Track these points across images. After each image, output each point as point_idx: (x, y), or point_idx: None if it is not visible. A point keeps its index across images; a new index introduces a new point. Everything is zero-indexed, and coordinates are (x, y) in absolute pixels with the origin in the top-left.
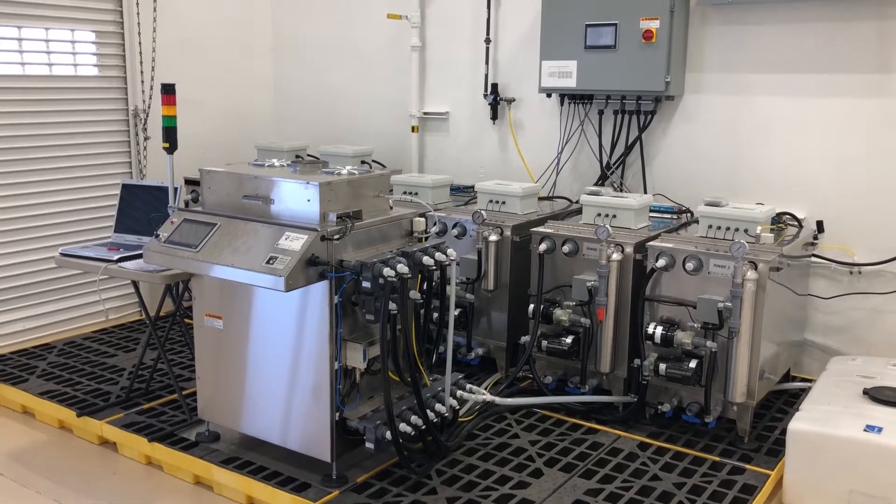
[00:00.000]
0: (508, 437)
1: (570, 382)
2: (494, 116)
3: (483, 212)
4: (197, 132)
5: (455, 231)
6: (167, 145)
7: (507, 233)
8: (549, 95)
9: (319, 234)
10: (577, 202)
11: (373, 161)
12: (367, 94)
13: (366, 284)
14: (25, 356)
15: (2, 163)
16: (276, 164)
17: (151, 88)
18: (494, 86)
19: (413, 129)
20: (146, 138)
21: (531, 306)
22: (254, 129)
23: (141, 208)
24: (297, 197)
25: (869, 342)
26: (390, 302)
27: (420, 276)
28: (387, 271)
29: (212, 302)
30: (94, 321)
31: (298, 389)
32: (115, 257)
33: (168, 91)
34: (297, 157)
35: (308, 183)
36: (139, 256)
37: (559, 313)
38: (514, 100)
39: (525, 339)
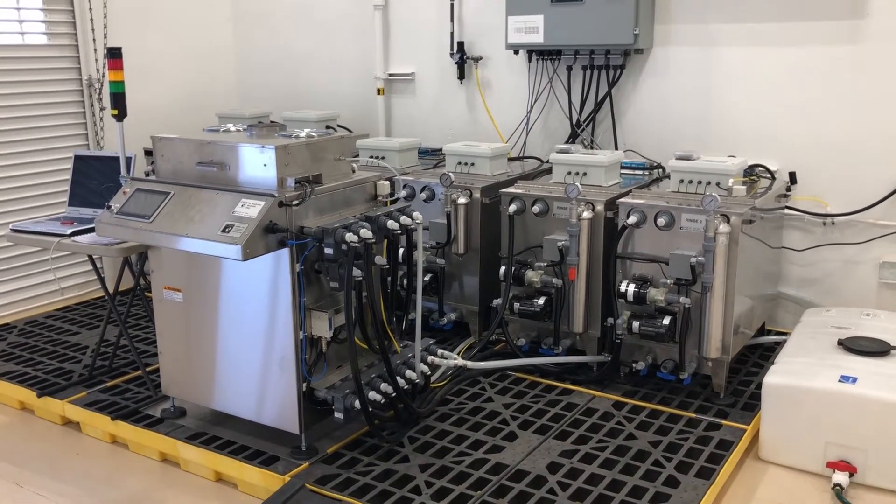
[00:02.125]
0: (482, 401)
1: (543, 344)
2: (462, 76)
3: (451, 174)
4: (157, 103)
5: (423, 195)
6: (116, 112)
7: (477, 195)
8: (516, 52)
9: (277, 200)
10: (547, 161)
11: (338, 126)
12: (331, 58)
13: (328, 251)
14: None
15: None
16: (232, 129)
17: (105, 56)
18: (461, 44)
19: (379, 91)
20: (102, 108)
21: (502, 269)
22: (216, 98)
23: (96, 180)
24: (253, 162)
25: (843, 293)
26: (354, 268)
27: (386, 240)
28: (349, 236)
29: (171, 275)
30: (56, 299)
31: (264, 361)
32: (69, 231)
33: (114, 55)
34: (259, 122)
35: (264, 147)
36: (94, 230)
37: (531, 275)
38: (480, 58)
39: (497, 302)
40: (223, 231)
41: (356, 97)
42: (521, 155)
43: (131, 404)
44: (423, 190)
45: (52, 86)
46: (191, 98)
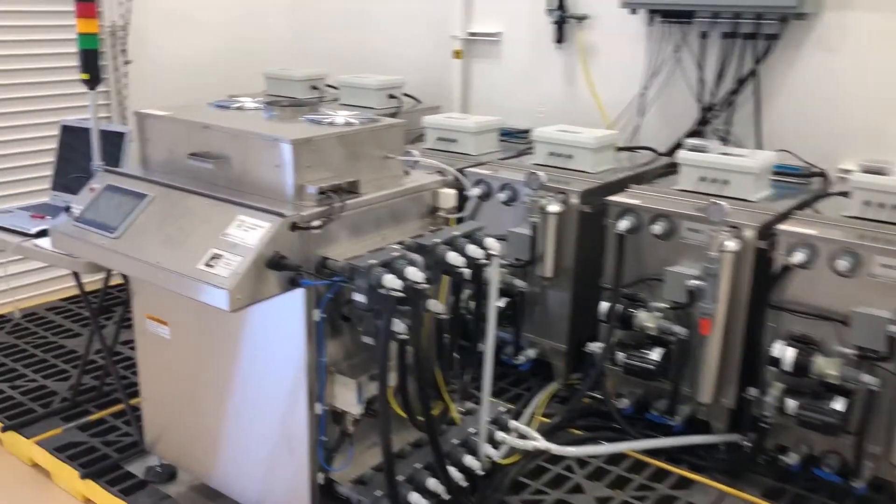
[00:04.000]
0: (568, 489)
1: (653, 408)
2: (560, 39)
3: (541, 174)
4: (192, 59)
5: (502, 195)
6: (87, 76)
7: (574, 200)
8: (633, 11)
9: (288, 222)
10: (664, 154)
11: (404, 95)
12: (401, 12)
13: (359, 298)
14: None
15: None
16: (249, 105)
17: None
18: None
19: (456, 54)
20: (126, 62)
21: (604, 304)
22: (266, 54)
23: (87, 158)
24: (261, 159)
25: None
26: (397, 320)
27: (444, 275)
28: (390, 280)
29: (155, 302)
30: (63, 285)
31: (268, 436)
32: (34, 229)
33: None
34: (313, 87)
35: (276, 139)
36: None
37: (643, 317)
38: (585, 17)
39: (594, 347)
40: (208, 264)
41: (427, 60)
42: (630, 145)
43: (112, 453)
44: (502, 188)
45: (63, 32)
46: (234, 52)
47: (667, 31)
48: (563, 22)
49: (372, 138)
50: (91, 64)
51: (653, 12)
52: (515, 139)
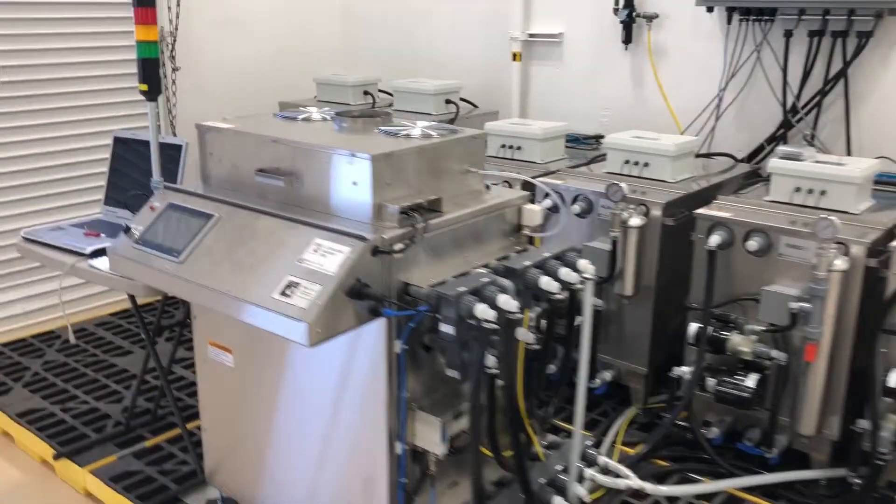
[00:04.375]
0: None
1: (746, 439)
2: (628, 40)
3: (623, 185)
4: (240, 64)
5: (577, 207)
6: (146, 87)
7: (656, 213)
8: (710, 9)
9: (370, 246)
10: (743, 160)
11: (461, 100)
12: (455, 12)
13: (447, 329)
14: (20, 350)
15: None
16: (316, 115)
17: (179, 4)
18: None
19: (514, 56)
20: (175, 69)
21: (693, 326)
22: (316, 58)
23: (141, 173)
24: (337, 175)
25: None
26: (488, 354)
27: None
28: (482, 310)
29: (218, 327)
30: (112, 300)
31: (341, 475)
32: (89, 248)
33: (142, 2)
34: (366, 92)
35: (354, 154)
36: None
37: (737, 341)
38: (656, 16)
39: (681, 371)
40: (283, 293)
41: (483, 63)
42: (707, 151)
43: (170, 484)
44: (575, 200)
45: (108, 39)
46: (283, 56)
47: (747, 29)
48: (632, 22)
49: (453, 151)
50: (150, 74)
51: (731, 10)
52: (583, 145)
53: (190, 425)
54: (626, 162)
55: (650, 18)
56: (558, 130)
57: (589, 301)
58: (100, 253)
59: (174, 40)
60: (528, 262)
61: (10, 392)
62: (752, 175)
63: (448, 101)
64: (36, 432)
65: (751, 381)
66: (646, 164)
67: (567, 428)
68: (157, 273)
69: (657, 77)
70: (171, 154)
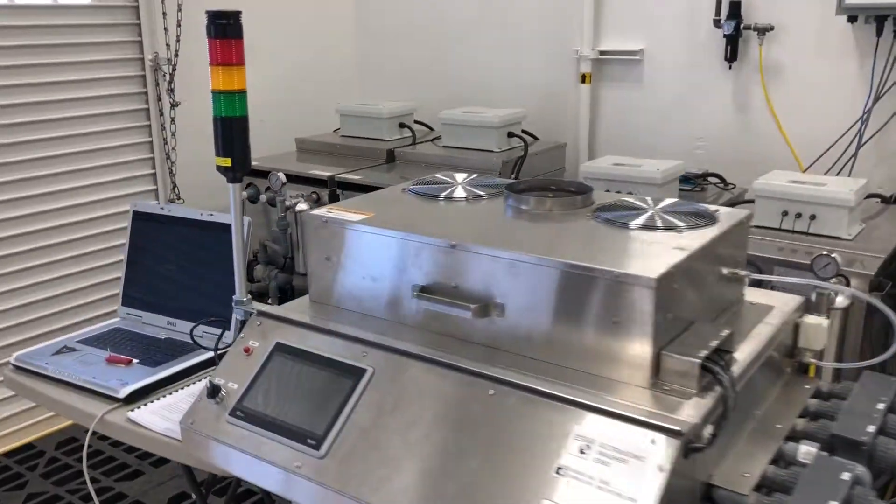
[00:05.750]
0: None
1: None
2: (733, 57)
3: (835, 255)
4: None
5: None
6: (228, 162)
7: (858, 285)
8: (852, 19)
9: (683, 441)
10: (892, 200)
11: (522, 132)
12: (504, 27)
13: None
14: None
15: None
16: (459, 191)
17: (179, 24)
18: (735, 5)
19: (583, 78)
20: (173, 104)
21: None
22: (331, 83)
23: (173, 257)
24: (582, 306)
25: None
26: None
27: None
28: None
29: None
30: None
31: None
32: (122, 391)
33: (221, 32)
34: (402, 125)
35: (619, 275)
36: (167, 382)
37: None
38: (771, 28)
39: None
40: None
41: (543, 85)
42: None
43: None
44: None
45: (98, 71)
46: (295, 82)
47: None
48: (738, 35)
49: (720, 248)
50: (235, 142)
51: (881, 19)
52: (689, 186)
53: None
54: (785, 213)
55: (763, 31)
56: (675, 170)
57: None
58: (137, 396)
59: (173, 69)
60: (870, 428)
61: None
62: None
63: (510, 135)
64: None
65: None
66: (812, 217)
67: None
68: (280, 474)
69: (769, 101)
70: (214, 238)
